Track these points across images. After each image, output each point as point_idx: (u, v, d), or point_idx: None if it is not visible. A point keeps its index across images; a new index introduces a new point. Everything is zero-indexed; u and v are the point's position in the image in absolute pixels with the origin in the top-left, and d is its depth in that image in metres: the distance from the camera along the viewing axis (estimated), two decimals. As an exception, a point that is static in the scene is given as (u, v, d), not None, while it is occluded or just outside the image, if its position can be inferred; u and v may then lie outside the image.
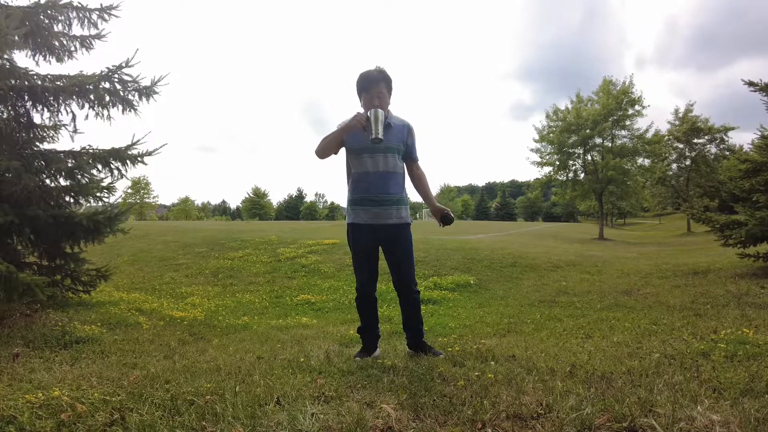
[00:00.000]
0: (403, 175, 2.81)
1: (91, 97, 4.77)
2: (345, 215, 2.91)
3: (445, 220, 2.69)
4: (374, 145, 2.57)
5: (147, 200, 52.95)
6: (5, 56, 4.39)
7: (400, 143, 2.73)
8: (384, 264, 2.86)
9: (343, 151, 2.77)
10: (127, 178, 5.16)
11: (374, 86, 2.64)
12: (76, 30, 5.11)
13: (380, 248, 2.81)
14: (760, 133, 7.19)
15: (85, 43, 5.15)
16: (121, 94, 4.92)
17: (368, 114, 2.51)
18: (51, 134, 5.04)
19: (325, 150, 2.68)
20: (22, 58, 5.09)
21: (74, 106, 4.83)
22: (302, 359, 2.75)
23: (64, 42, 5.04)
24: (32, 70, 4.61)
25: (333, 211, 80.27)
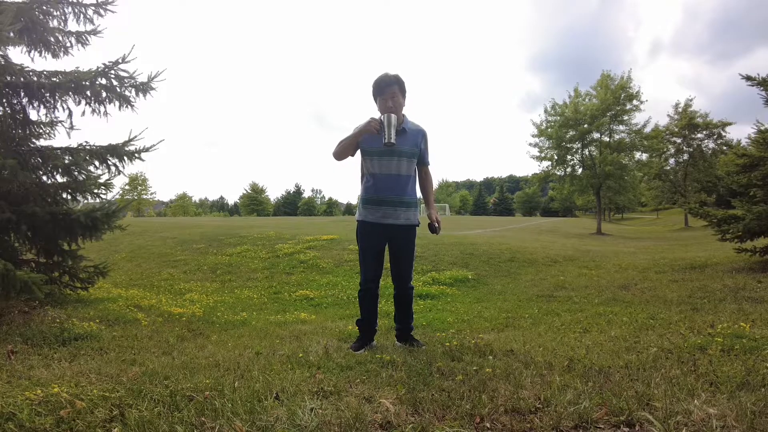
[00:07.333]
0: (414, 179, 2.95)
1: (88, 93, 4.73)
2: (355, 211, 3.08)
3: (430, 228, 2.91)
4: (388, 148, 2.72)
5: (145, 197, 52.88)
6: (0, 52, 4.36)
7: (414, 148, 2.87)
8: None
9: (358, 152, 2.91)
10: (124, 174, 5.13)
11: (388, 88, 2.79)
12: (72, 25, 5.08)
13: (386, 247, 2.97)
14: (757, 128, 7.20)
15: (81, 38, 5.10)
16: (118, 90, 4.88)
17: (382, 119, 2.65)
18: (47, 131, 5.00)
19: (341, 152, 2.85)
20: (17, 54, 5.06)
21: (70, 103, 4.79)
22: (301, 354, 2.75)
23: (60, 38, 4.99)
24: (28, 67, 4.57)
25: (331, 206, 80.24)
